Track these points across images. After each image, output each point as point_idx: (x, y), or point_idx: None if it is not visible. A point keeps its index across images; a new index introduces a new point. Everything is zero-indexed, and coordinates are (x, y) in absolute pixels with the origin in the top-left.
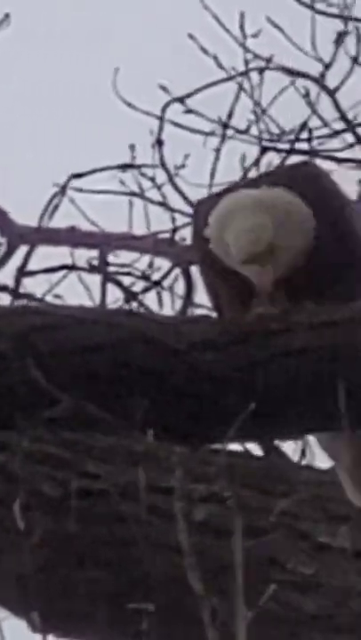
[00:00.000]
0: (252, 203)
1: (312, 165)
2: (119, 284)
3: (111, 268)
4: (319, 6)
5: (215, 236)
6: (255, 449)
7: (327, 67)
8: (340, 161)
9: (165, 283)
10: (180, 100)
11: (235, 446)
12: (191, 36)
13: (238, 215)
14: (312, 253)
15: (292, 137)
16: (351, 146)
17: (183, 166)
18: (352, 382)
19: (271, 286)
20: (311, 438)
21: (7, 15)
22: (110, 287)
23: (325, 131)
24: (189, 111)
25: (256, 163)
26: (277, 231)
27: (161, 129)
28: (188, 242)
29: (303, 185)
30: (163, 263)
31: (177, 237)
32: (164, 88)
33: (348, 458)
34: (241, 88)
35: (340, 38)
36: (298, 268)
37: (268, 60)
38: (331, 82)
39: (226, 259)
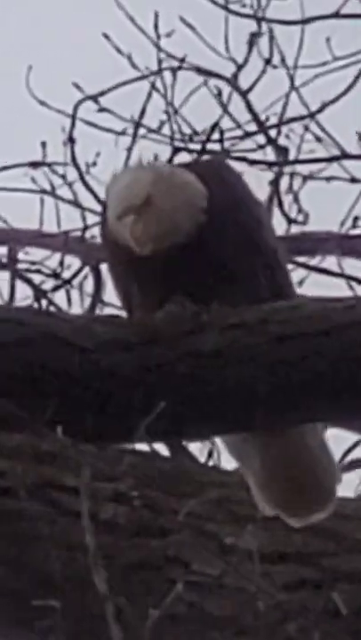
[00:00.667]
0: (135, 165)
1: (221, 160)
2: (29, 281)
3: (21, 266)
4: (233, 7)
5: (110, 214)
6: (162, 449)
7: (240, 67)
8: (251, 162)
9: (75, 281)
10: (93, 98)
11: (142, 446)
12: (105, 36)
13: (120, 175)
14: (210, 237)
15: (203, 138)
16: (262, 147)
17: (94, 164)
18: (262, 384)
19: (149, 244)
20: (218, 440)
21: None
22: (20, 285)
23: (238, 132)
24: (102, 109)
25: (168, 162)
26: (156, 188)
27: (73, 127)
28: (99, 240)
29: (204, 171)
30: (73, 261)
31: (87, 235)
32: (77, 86)
33: (257, 463)
34: (154, 87)
35: (253, 39)
36: (184, 242)
37: (182, 60)
38: (244, 83)
39: (114, 230)
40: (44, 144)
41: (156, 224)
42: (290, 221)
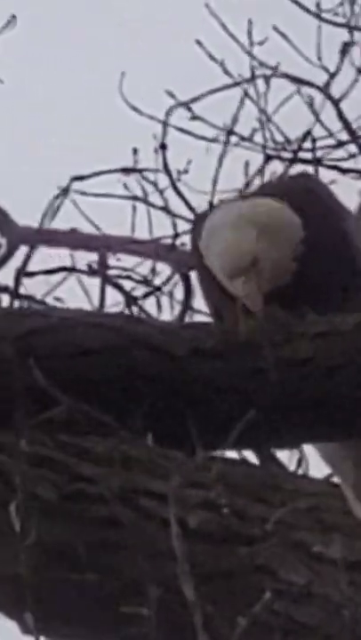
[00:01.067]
0: (234, 218)
1: (310, 177)
2: (119, 287)
3: (111, 272)
4: (326, 15)
5: (205, 253)
6: (252, 457)
7: (332, 76)
8: (343, 171)
9: (165, 288)
10: (185, 105)
11: (231, 454)
12: (198, 42)
13: (220, 233)
14: (307, 263)
15: (295, 146)
16: (354, 156)
17: (186, 171)
18: (354, 392)
19: (260, 299)
20: (307, 448)
21: (13, 17)
22: (110, 291)
23: (330, 141)
24: (194, 117)
25: (260, 171)
26: (260, 244)
27: (165, 133)
28: (189, 248)
29: (300, 196)
30: (164, 268)
31: (178, 243)
32: (169, 93)
33: (351, 470)
34: (246, 95)
35: (345, 48)
36: (288, 280)
37: (275, 68)
38: (336, 91)
39: (217, 274)
40: (135, 150)
41: (266, 280)
42: None
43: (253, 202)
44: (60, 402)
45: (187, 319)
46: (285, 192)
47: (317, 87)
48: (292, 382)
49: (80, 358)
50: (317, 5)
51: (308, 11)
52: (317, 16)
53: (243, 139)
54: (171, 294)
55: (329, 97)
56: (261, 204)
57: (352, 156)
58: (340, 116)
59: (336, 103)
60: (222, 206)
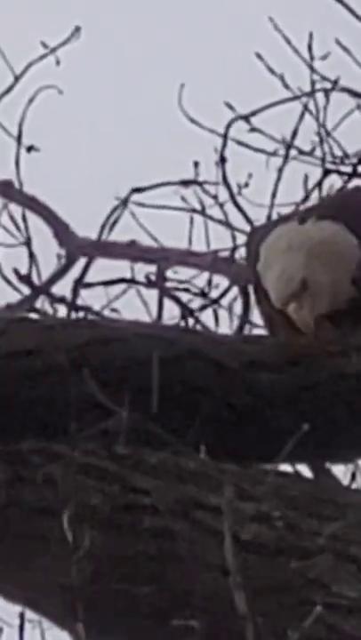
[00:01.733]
0: (284, 248)
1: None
2: (176, 299)
3: (169, 284)
4: None
5: (262, 276)
6: (306, 471)
7: None
8: None
9: (224, 301)
10: (245, 117)
11: (285, 467)
12: (258, 56)
13: (272, 261)
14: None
15: (355, 160)
16: None
17: (246, 185)
18: None
19: (313, 322)
20: None
21: (78, 28)
22: (168, 303)
23: None
24: (253, 129)
25: (318, 184)
26: (309, 268)
27: (224, 146)
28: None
29: (355, 214)
30: (221, 281)
31: (236, 256)
32: (229, 105)
33: None
34: (306, 109)
35: None
36: (347, 303)
37: (335, 82)
38: None
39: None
40: (196, 164)
41: (317, 303)
42: None
43: (305, 227)
44: (114, 413)
45: (245, 333)
46: (342, 209)
47: None
48: (345, 395)
49: (134, 370)
50: None
51: None
52: None
53: (301, 152)
54: (230, 308)
55: None
56: (313, 228)
57: None
58: None
59: None
60: (278, 228)
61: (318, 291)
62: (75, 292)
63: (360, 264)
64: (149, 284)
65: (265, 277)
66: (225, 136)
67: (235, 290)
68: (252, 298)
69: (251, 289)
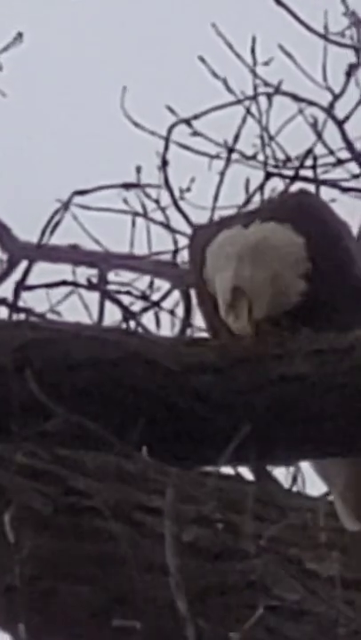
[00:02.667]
0: (224, 255)
1: (310, 195)
2: (118, 302)
3: (111, 287)
4: (332, 37)
5: (211, 282)
6: (247, 473)
7: (337, 97)
8: (344, 190)
9: (166, 304)
10: (187, 121)
11: (227, 470)
12: (201, 59)
13: (214, 273)
14: (314, 282)
15: (297, 164)
16: (356, 177)
17: (188, 190)
18: (348, 410)
19: (252, 329)
20: (303, 465)
21: (20, 34)
22: (109, 306)
23: (331, 159)
24: (195, 133)
25: (260, 188)
26: (239, 274)
27: (166, 149)
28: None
29: (300, 215)
30: (163, 284)
31: (178, 259)
32: (170, 109)
33: (342, 482)
34: (248, 112)
35: (351, 69)
36: (299, 299)
37: (277, 87)
38: (340, 113)
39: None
40: (138, 168)
41: (258, 305)
42: None
43: (246, 232)
44: (56, 414)
45: (187, 336)
46: (288, 211)
47: (321, 107)
48: (286, 398)
49: (76, 371)
50: (325, 27)
51: (314, 32)
52: (324, 37)
53: (244, 156)
54: (172, 312)
55: (333, 117)
56: (254, 232)
57: (355, 176)
58: (344, 136)
59: (340, 124)
60: (222, 234)
61: (256, 292)
62: (16, 295)
63: (308, 261)
64: (91, 286)
65: (215, 283)
66: (167, 139)
67: (176, 293)
68: (195, 300)
69: (193, 292)
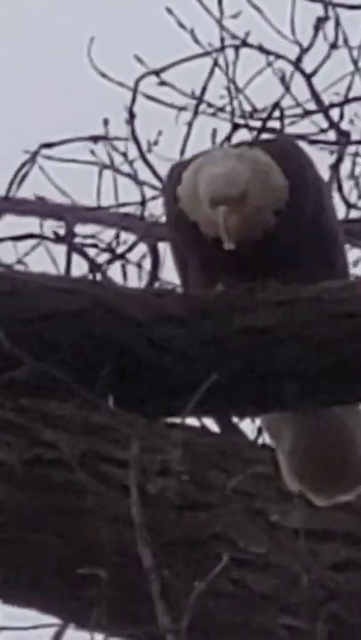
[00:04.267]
0: (236, 153)
1: (290, 139)
2: (84, 254)
3: (77, 240)
4: None
5: (187, 189)
6: (212, 425)
7: (305, 51)
8: (311, 142)
9: (133, 258)
10: (155, 73)
11: (192, 421)
12: (169, 10)
13: (216, 161)
14: (282, 224)
15: (264, 115)
16: (324, 131)
17: (156, 143)
18: (313, 363)
19: (236, 236)
20: None
21: None
22: (76, 259)
23: (298, 111)
24: (163, 83)
25: (227, 139)
26: (252, 185)
27: (134, 101)
28: (157, 217)
29: (281, 156)
30: (129, 237)
31: (145, 212)
32: (139, 59)
33: (290, 440)
34: (216, 64)
35: (319, 24)
36: (263, 236)
37: (244, 39)
38: (308, 66)
39: (194, 210)
40: (106, 121)
41: (246, 220)
42: (349, 206)
43: (246, 148)
44: (22, 363)
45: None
46: (269, 149)
47: (289, 60)
48: (251, 350)
49: (41, 321)
50: None
51: None
52: None
53: (211, 106)
54: (139, 265)
55: (301, 70)
56: (255, 151)
57: (323, 130)
58: (312, 89)
59: (308, 77)
60: (210, 150)
61: (250, 209)
62: None
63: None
64: (57, 239)
65: (195, 186)
66: (134, 91)
67: (143, 246)
68: (163, 254)
69: (162, 245)
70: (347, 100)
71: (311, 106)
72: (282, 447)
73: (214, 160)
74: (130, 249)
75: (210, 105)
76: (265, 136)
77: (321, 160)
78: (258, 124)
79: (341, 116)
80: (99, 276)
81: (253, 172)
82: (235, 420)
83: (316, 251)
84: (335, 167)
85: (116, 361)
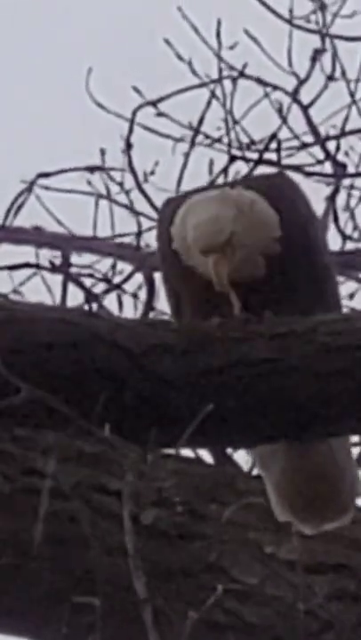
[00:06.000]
0: (217, 195)
1: (285, 177)
2: (80, 284)
3: (74, 269)
4: (298, 22)
5: (178, 232)
6: (206, 456)
7: (302, 82)
8: (308, 174)
9: (129, 288)
10: (153, 103)
11: (186, 452)
12: (167, 41)
13: (201, 205)
14: (275, 261)
15: (261, 147)
16: (321, 162)
17: (152, 173)
18: (306, 395)
19: (227, 279)
20: None
21: None
22: (72, 288)
23: (295, 143)
24: (160, 114)
25: (224, 171)
26: (238, 225)
27: (131, 132)
28: (153, 247)
29: (275, 194)
30: (125, 267)
31: (141, 243)
32: (137, 90)
33: (278, 471)
34: (213, 96)
35: (316, 55)
36: (257, 275)
37: (242, 69)
38: (305, 98)
39: (186, 255)
40: (103, 151)
41: (237, 262)
42: (345, 238)
43: (237, 189)
44: (19, 391)
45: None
46: (260, 188)
47: (286, 91)
48: (247, 381)
49: (39, 352)
50: (290, 12)
51: (280, 16)
52: (289, 22)
53: (208, 137)
54: (134, 295)
55: (298, 102)
56: (243, 191)
57: (319, 162)
58: (309, 121)
59: (305, 109)
60: (202, 192)
61: (238, 251)
62: None
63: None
64: (54, 268)
65: (186, 224)
66: (132, 122)
67: (139, 276)
68: (158, 284)
69: (158, 275)
70: (343, 133)
71: (308, 138)
72: (270, 477)
73: (199, 205)
74: (126, 279)
75: (207, 136)
76: (262, 168)
77: (317, 192)
78: (255, 155)
79: (338, 148)
80: (95, 306)
81: (237, 209)
82: (229, 450)
83: (310, 283)
84: (331, 199)
85: (110, 392)
